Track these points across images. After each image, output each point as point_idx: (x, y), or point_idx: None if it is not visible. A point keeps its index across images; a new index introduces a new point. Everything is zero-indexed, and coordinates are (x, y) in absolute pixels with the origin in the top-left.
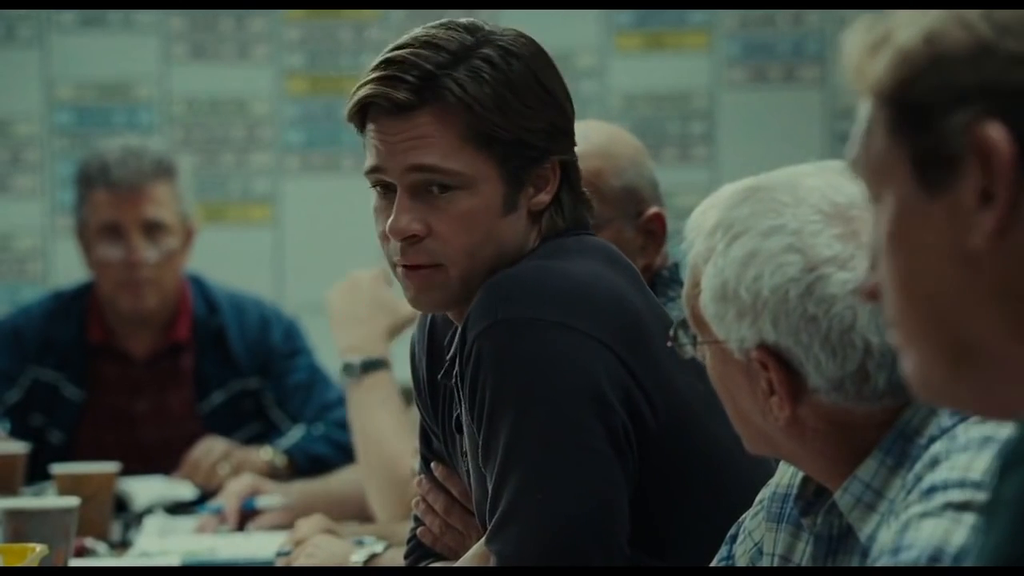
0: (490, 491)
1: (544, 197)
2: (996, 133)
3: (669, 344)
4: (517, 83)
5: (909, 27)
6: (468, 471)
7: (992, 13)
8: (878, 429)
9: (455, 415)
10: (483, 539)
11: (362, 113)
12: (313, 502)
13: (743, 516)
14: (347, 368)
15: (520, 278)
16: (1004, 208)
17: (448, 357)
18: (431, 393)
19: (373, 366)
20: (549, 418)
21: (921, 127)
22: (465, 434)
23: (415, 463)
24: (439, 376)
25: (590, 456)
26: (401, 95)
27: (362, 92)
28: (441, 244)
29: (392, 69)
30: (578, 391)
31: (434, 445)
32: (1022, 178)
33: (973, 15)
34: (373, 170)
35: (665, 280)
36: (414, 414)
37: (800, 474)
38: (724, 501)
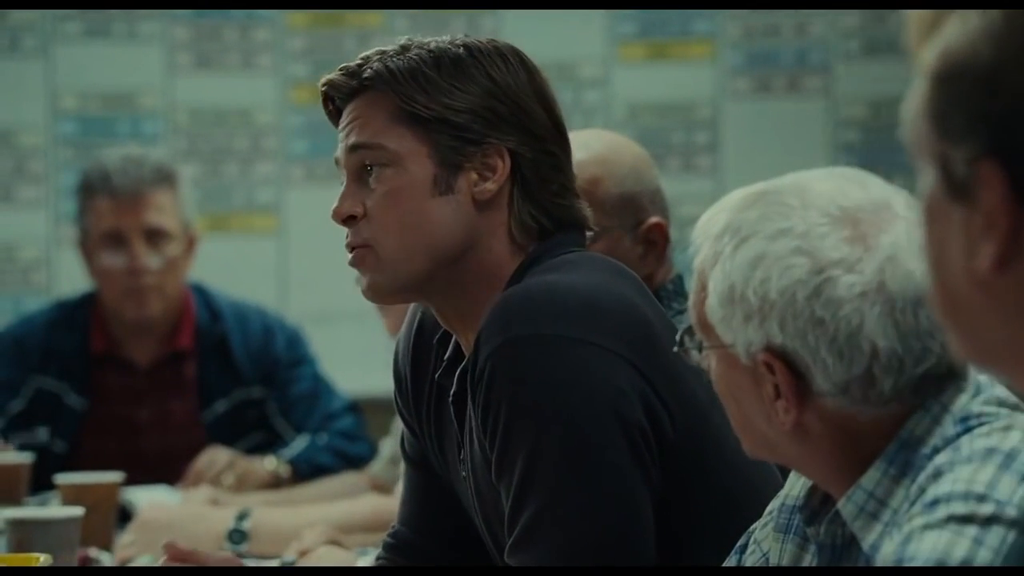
0: (507, 508)
1: (490, 186)
2: (991, 172)
3: (675, 350)
4: (448, 65)
5: (956, 26)
6: (468, 477)
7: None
8: (882, 437)
9: (467, 430)
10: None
11: (334, 111)
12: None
13: (753, 526)
14: (233, 533)
15: (529, 294)
16: (1002, 243)
17: (446, 356)
18: (415, 395)
19: (245, 514)
20: (569, 435)
21: (943, 137)
22: (468, 448)
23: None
24: (436, 375)
25: (612, 472)
26: (341, 80)
27: (321, 87)
28: (371, 224)
29: (347, 64)
30: (598, 406)
31: (409, 449)
32: (1020, 216)
33: (1005, 31)
34: (336, 163)
35: (669, 293)
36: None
37: (808, 484)
38: (734, 503)
